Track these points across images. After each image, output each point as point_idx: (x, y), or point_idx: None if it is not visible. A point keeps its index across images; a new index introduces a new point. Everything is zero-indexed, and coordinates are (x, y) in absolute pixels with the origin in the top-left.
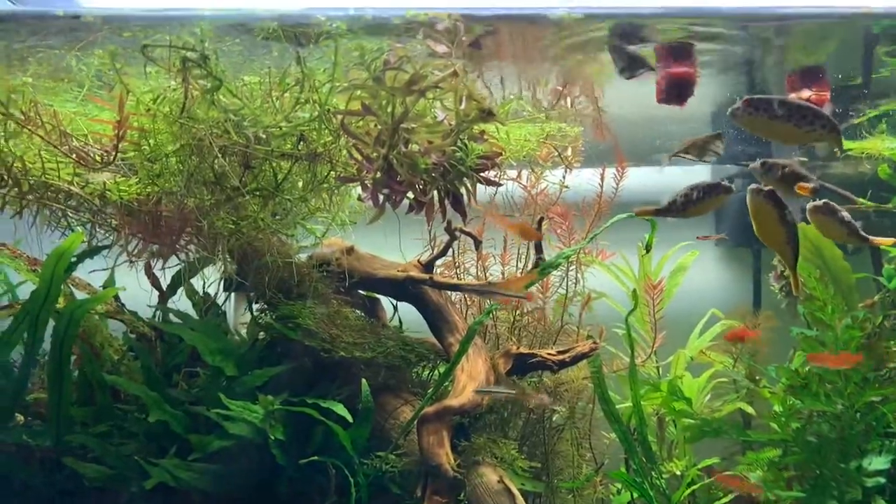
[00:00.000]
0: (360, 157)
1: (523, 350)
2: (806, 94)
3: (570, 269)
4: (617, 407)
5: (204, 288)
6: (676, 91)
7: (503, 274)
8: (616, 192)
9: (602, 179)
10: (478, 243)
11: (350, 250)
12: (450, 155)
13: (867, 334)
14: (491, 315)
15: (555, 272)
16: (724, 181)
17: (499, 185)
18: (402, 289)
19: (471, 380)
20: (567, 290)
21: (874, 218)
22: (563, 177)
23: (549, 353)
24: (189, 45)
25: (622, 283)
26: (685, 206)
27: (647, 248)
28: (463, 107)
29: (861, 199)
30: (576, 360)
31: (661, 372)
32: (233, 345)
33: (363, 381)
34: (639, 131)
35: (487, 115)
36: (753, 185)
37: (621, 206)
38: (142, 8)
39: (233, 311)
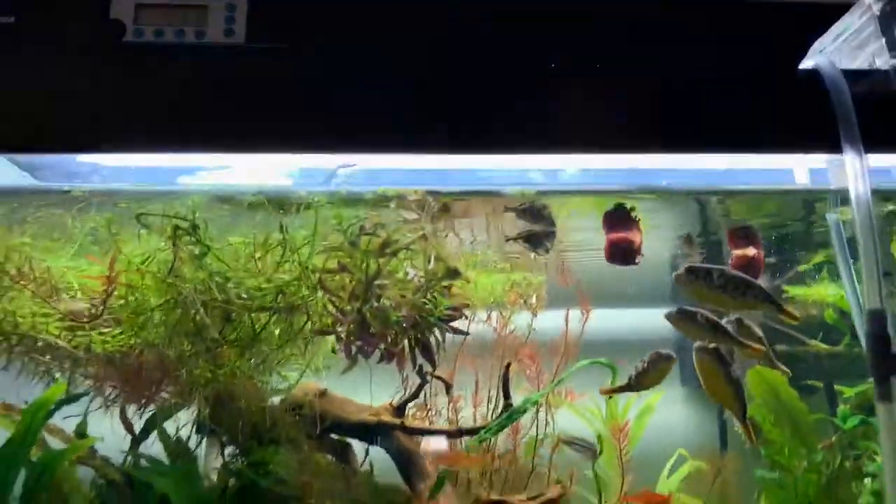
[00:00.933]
0: (334, 311)
1: (493, 497)
2: (752, 251)
3: (540, 411)
4: None
5: (177, 432)
6: (619, 255)
7: (475, 417)
8: (582, 333)
9: (567, 323)
10: (448, 387)
11: (323, 393)
12: (420, 308)
13: (827, 476)
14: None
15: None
16: (664, 351)
17: (466, 334)
18: (374, 433)
19: None
20: (538, 433)
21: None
22: (531, 321)
23: (519, 500)
24: (180, 215)
25: (591, 424)
26: (638, 379)
27: (610, 395)
28: (431, 266)
29: (814, 341)
30: None
31: None
32: (203, 492)
33: None
34: (605, 274)
35: (454, 274)
36: (699, 343)
37: (588, 345)
38: (138, 185)
39: (204, 456)
